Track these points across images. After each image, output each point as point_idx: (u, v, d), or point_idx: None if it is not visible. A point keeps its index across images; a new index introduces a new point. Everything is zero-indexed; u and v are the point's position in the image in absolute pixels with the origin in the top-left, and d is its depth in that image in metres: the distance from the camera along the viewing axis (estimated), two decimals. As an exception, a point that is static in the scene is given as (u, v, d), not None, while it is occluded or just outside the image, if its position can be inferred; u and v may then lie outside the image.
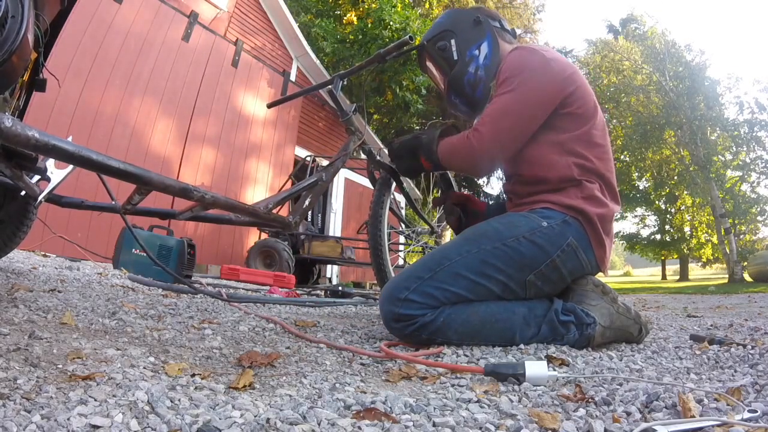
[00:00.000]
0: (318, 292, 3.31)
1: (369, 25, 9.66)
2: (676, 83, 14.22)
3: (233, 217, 1.32)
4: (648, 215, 22.34)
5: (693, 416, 0.59)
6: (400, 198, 5.99)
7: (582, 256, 1.23)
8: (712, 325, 1.74)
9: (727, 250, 13.24)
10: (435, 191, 2.42)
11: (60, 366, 0.73)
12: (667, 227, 21.37)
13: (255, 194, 6.76)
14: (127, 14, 5.19)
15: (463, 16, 1.43)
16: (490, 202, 1.64)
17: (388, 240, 1.87)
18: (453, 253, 1.19)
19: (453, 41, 1.39)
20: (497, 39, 1.40)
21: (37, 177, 1.36)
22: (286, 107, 7.34)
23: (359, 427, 0.56)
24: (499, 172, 1.80)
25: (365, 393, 0.74)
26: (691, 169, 14.90)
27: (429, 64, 1.49)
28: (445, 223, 2.56)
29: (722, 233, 13.66)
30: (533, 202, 1.29)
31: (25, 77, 1.16)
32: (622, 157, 17.11)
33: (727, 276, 13.69)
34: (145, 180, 0.90)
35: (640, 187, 20.24)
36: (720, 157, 14.76)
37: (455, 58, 1.39)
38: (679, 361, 1.04)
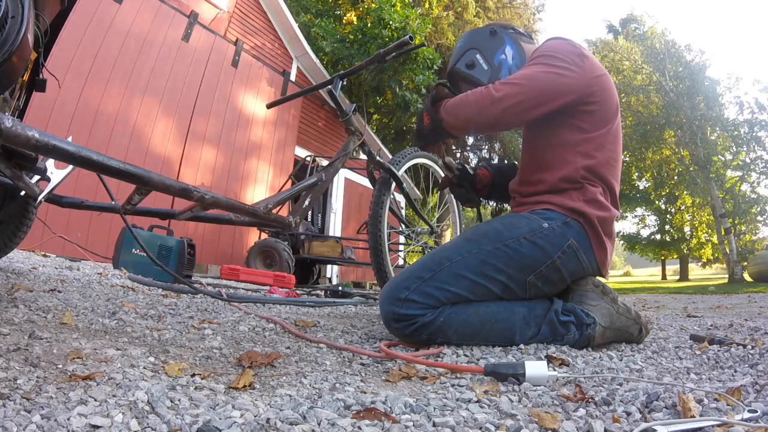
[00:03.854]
0: (318, 292, 3.31)
1: (368, 25, 9.65)
2: (676, 83, 14.22)
3: (233, 217, 1.32)
4: (648, 215, 22.33)
5: (693, 416, 0.59)
6: (400, 198, 6.00)
7: (582, 258, 1.23)
8: (712, 325, 1.74)
9: (727, 250, 13.23)
10: (435, 191, 2.42)
11: (60, 366, 0.73)
12: (667, 227, 21.36)
13: (255, 194, 6.76)
14: (127, 14, 5.19)
15: (479, 32, 1.48)
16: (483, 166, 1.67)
17: (388, 240, 1.87)
18: (453, 253, 1.19)
19: (478, 56, 1.44)
20: (517, 41, 1.44)
21: (37, 177, 1.36)
22: (286, 107, 7.34)
23: (359, 427, 0.56)
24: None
25: (365, 393, 0.74)
26: (691, 169, 14.91)
27: (463, 86, 1.49)
28: (444, 223, 2.56)
29: (722, 233, 13.66)
30: (535, 202, 1.29)
31: (25, 77, 1.16)
32: (622, 157, 17.09)
33: (727, 276, 13.68)
34: (145, 180, 0.90)
35: (640, 187, 20.24)
36: (720, 157, 14.75)
37: (486, 68, 1.43)
38: (679, 361, 1.04)
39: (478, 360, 1.04)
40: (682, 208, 20.44)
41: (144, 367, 0.78)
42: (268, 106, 1.98)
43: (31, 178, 1.35)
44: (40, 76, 1.23)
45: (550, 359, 1.02)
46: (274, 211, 1.34)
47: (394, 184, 1.90)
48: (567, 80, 1.21)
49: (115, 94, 5.04)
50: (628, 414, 0.63)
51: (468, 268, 1.16)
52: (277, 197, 1.37)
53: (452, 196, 2.38)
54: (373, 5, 9.52)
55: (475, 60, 1.43)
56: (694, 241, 20.51)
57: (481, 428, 0.59)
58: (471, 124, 1.30)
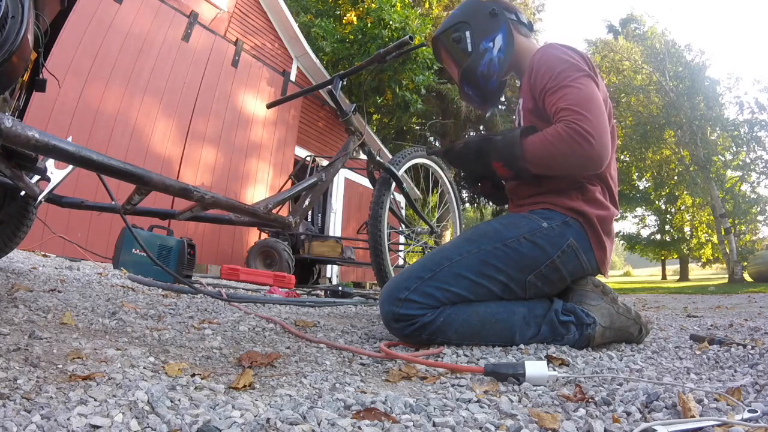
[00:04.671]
0: (318, 292, 3.31)
1: (368, 25, 9.66)
2: (676, 83, 14.22)
3: (233, 217, 1.32)
4: (648, 215, 22.36)
5: (693, 416, 0.59)
6: (400, 198, 5.99)
7: (582, 258, 1.23)
8: (712, 325, 1.74)
9: (727, 250, 13.23)
10: (435, 191, 2.42)
11: (60, 366, 0.73)
12: (667, 227, 21.38)
13: (255, 194, 6.76)
14: (127, 14, 5.19)
15: (479, 7, 1.41)
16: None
17: (388, 240, 1.87)
18: (453, 253, 1.19)
19: (468, 33, 1.39)
20: (512, 32, 1.38)
21: (37, 177, 1.36)
22: (286, 107, 7.34)
23: (359, 427, 0.56)
24: None
25: (365, 393, 0.74)
26: (691, 169, 14.90)
27: (444, 55, 1.48)
28: (444, 223, 2.56)
29: (722, 233, 13.66)
30: (534, 203, 1.29)
31: (25, 77, 1.16)
32: (622, 157, 17.12)
33: (727, 276, 13.68)
34: (145, 180, 0.90)
35: (640, 187, 20.25)
36: (720, 157, 14.76)
37: (469, 49, 1.39)
38: (679, 361, 1.04)
39: (478, 360, 1.04)
40: (682, 208, 20.46)
41: (144, 367, 0.78)
42: (268, 107, 1.98)
43: (31, 178, 1.35)
44: (40, 76, 1.23)
45: (550, 359, 1.02)
46: (274, 211, 1.34)
47: (394, 184, 1.90)
48: (594, 83, 1.19)
49: (115, 94, 5.04)
50: (628, 414, 0.63)
51: (468, 268, 1.16)
52: (277, 197, 1.37)
53: (453, 196, 2.38)
54: (373, 5, 9.52)
55: (462, 37, 1.39)
56: (694, 241, 20.53)
57: (481, 428, 0.59)
58: (588, 165, 1.16)
